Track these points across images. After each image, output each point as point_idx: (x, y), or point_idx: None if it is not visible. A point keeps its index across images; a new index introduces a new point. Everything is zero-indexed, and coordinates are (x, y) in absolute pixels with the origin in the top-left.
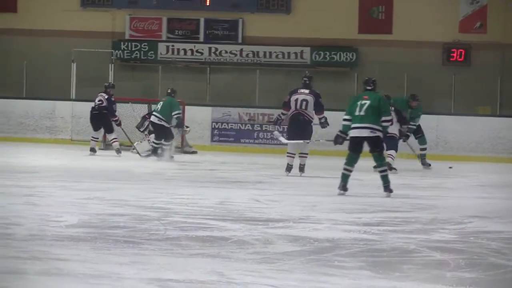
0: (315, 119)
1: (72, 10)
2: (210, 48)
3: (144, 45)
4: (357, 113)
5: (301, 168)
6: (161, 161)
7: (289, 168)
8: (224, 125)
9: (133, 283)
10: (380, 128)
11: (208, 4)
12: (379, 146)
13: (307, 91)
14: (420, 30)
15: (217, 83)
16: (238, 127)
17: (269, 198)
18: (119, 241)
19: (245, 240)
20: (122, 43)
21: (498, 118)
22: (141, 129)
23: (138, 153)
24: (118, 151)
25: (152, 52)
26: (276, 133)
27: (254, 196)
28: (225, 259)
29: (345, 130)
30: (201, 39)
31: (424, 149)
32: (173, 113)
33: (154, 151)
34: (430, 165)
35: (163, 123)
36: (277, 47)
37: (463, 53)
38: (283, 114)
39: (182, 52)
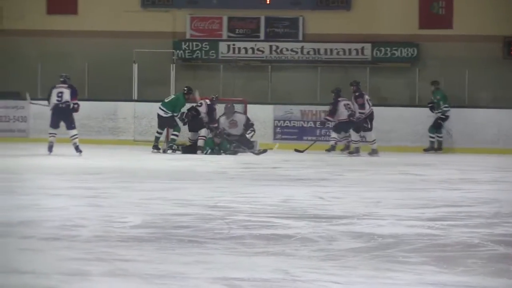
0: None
1: (133, 11)
2: (271, 46)
3: (205, 44)
4: None
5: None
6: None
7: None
8: (287, 123)
9: (198, 282)
10: None
11: (268, 2)
12: None
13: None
14: (481, 24)
15: (278, 81)
16: (300, 125)
17: (332, 195)
18: (183, 240)
19: (309, 237)
20: (183, 43)
21: None
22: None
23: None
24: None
25: (213, 51)
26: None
27: (317, 193)
28: (289, 257)
29: None
30: (262, 37)
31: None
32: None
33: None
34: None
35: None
36: (338, 43)
37: None
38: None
39: (243, 51)
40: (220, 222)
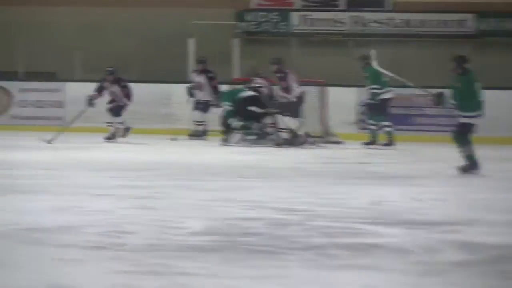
0: None
1: None
2: (352, 18)
3: (274, 15)
4: None
5: None
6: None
7: None
8: None
9: None
10: None
11: None
12: None
13: None
14: None
15: None
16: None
17: (431, 196)
18: (253, 250)
19: (404, 247)
20: (247, 13)
21: None
22: None
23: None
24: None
25: (284, 23)
26: None
27: (413, 194)
28: (380, 271)
29: None
30: (342, 7)
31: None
32: None
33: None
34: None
35: None
36: (433, 14)
37: None
38: None
39: (319, 23)
40: (297, 228)
